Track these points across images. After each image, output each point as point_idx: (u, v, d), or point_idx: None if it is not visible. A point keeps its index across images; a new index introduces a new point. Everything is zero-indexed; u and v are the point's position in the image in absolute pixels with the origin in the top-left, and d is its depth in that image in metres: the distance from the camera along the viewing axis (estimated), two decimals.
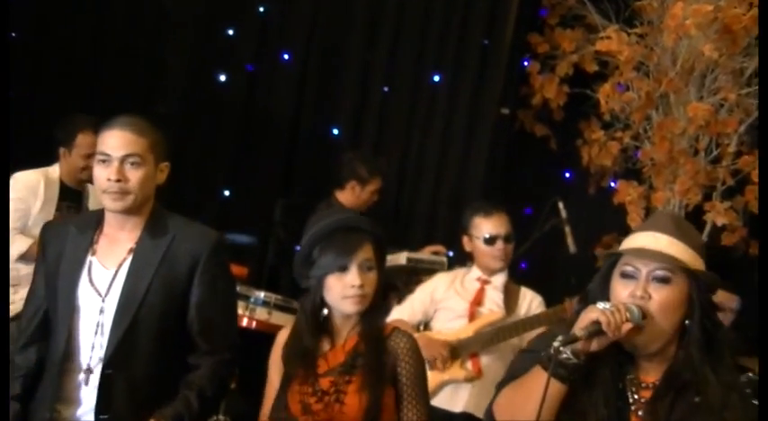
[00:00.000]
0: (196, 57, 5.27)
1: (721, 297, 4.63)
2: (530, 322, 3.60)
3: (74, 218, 3.36)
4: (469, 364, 3.67)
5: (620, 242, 5.14)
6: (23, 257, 3.67)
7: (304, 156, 5.46)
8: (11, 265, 3.48)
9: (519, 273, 4.39)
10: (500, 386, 2.02)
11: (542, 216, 4.52)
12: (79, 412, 2.43)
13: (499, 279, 3.78)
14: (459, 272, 3.89)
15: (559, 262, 5.15)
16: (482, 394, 3.58)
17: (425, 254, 4.67)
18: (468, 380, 3.63)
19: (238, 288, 4.24)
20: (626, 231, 5.04)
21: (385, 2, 5.48)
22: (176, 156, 4.78)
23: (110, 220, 2.49)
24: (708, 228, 4.44)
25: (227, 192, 5.37)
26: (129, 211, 2.45)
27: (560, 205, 4.46)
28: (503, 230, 3.71)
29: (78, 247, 2.47)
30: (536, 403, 1.80)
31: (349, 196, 4.64)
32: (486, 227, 3.72)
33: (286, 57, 5.46)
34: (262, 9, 5.44)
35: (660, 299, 1.88)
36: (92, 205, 3.96)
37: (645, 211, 4.73)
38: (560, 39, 5.12)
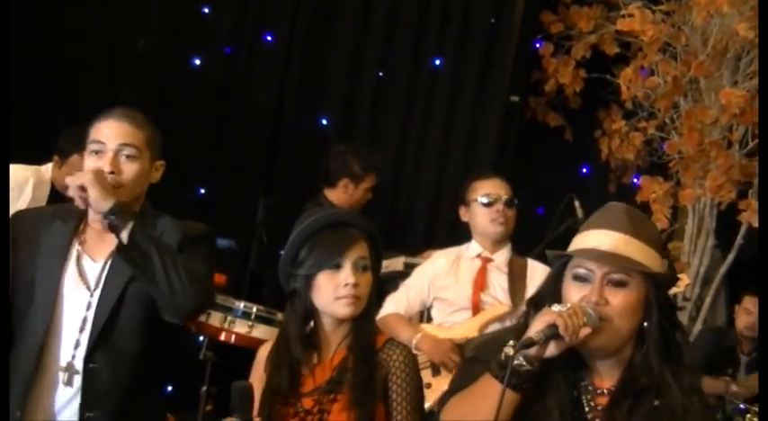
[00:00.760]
0: (166, 37, 5.26)
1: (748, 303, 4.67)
2: None
3: (47, 207, 3.42)
4: None
5: None
6: None
7: (289, 150, 5.45)
8: None
9: None
10: (445, 397, 2.07)
11: (556, 216, 4.52)
12: (55, 409, 2.48)
13: (501, 256, 3.79)
14: (458, 251, 3.89)
15: None
16: None
17: (425, 258, 4.65)
18: None
19: (216, 298, 4.25)
20: None
21: None
22: None
23: (96, 217, 2.52)
24: (743, 229, 4.45)
25: (202, 190, 5.35)
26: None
27: (576, 204, 4.46)
28: (502, 192, 3.77)
29: (61, 237, 2.53)
30: (487, 414, 1.85)
31: (340, 195, 4.63)
32: (483, 188, 3.77)
33: (269, 38, 5.44)
34: None
35: (617, 303, 1.95)
36: None
37: (672, 211, 4.74)
38: (576, 17, 5.13)
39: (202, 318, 4.08)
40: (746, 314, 4.68)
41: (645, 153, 5.01)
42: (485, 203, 3.76)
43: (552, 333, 1.87)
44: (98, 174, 2.42)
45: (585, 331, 1.90)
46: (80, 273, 2.50)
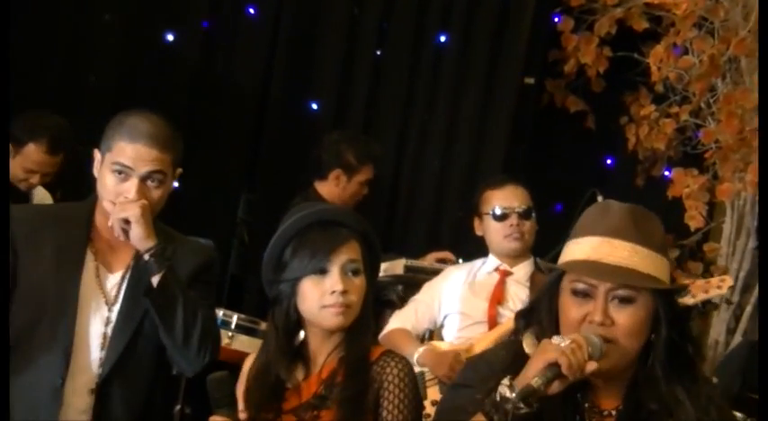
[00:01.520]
0: (136, 10, 5.23)
1: None
2: None
3: (41, 207, 3.59)
4: None
5: (676, 245, 5.15)
6: None
7: (274, 139, 5.44)
8: None
9: None
10: None
11: (577, 213, 4.47)
12: None
13: (523, 269, 3.83)
14: (473, 265, 3.94)
15: None
16: None
17: (428, 261, 4.66)
18: None
19: None
20: (683, 233, 5.13)
21: None
22: None
23: (106, 223, 2.66)
24: None
25: (175, 184, 5.32)
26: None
27: (600, 199, 4.43)
28: (516, 203, 3.79)
29: (72, 245, 2.65)
30: None
31: (332, 188, 4.64)
32: (495, 199, 3.80)
33: (251, 11, 5.43)
34: None
35: (624, 323, 1.94)
36: None
37: (708, 207, 4.72)
38: None
39: None
40: None
41: (677, 142, 4.98)
42: (497, 217, 3.79)
43: (554, 374, 1.85)
44: (145, 209, 2.56)
45: (591, 367, 1.89)
46: (101, 286, 2.65)
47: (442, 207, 5.52)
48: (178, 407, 3.11)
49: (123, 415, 2.61)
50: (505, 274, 3.82)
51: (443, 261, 4.71)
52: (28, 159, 4.16)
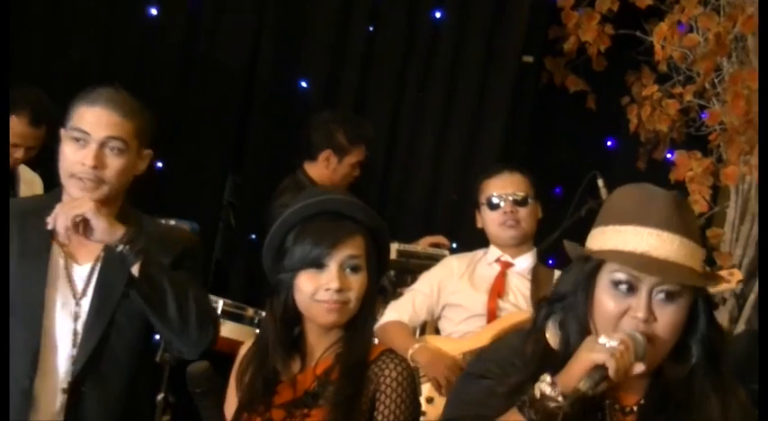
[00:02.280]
0: None
1: None
2: None
3: (16, 200, 3.52)
4: None
5: None
6: None
7: (262, 118, 5.44)
8: None
9: None
10: None
11: (576, 197, 4.51)
12: None
13: (524, 261, 3.83)
14: (474, 255, 3.93)
15: None
16: None
17: (422, 246, 4.67)
18: None
19: None
20: None
21: None
22: None
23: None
24: None
25: (159, 164, 5.33)
26: (100, 203, 2.56)
27: (600, 183, 4.45)
28: (511, 189, 3.79)
29: (38, 236, 2.59)
30: None
31: (322, 170, 4.64)
32: (490, 188, 3.81)
33: None
34: None
35: (668, 320, 1.91)
36: (23, 192, 4.05)
37: (712, 191, 4.72)
38: None
39: None
40: None
41: (681, 124, 4.97)
42: (491, 206, 3.81)
43: (601, 376, 1.82)
44: (97, 202, 2.51)
45: (639, 369, 1.86)
46: (69, 278, 2.61)
47: (436, 190, 5.53)
48: (161, 395, 3.07)
49: (99, 414, 2.58)
50: (506, 266, 3.83)
51: (437, 245, 4.72)
52: (11, 133, 4.12)
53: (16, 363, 2.51)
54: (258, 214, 4.85)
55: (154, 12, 5.29)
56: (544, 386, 1.84)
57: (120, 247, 2.50)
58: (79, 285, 2.62)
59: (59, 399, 2.55)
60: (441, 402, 3.57)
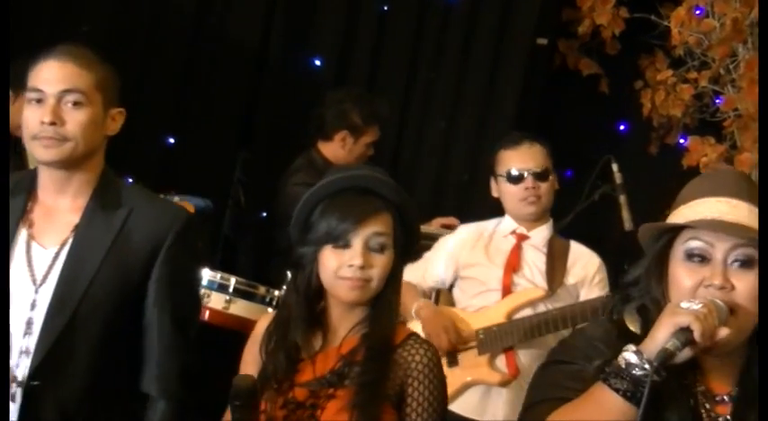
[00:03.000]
0: None
1: None
2: (590, 308, 3.55)
3: None
4: (502, 362, 3.67)
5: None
6: None
7: (274, 96, 5.42)
8: None
9: None
10: (531, 408, 2.01)
11: (589, 181, 4.49)
12: None
13: (540, 234, 3.79)
14: (487, 225, 3.89)
15: (610, 241, 5.11)
16: (520, 399, 3.59)
17: (434, 227, 4.66)
18: (503, 384, 3.64)
19: None
20: None
21: None
22: None
23: (45, 182, 2.46)
24: None
25: (171, 140, 5.33)
26: (67, 166, 2.42)
27: (614, 167, 4.43)
28: (532, 163, 3.73)
29: (10, 214, 2.43)
30: None
31: (337, 150, 4.62)
32: (510, 160, 3.75)
33: None
34: None
35: (745, 288, 1.87)
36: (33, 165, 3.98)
37: None
38: None
39: None
40: None
41: (694, 109, 4.97)
42: (512, 179, 3.74)
43: (686, 339, 1.78)
44: None
45: (724, 332, 1.81)
46: (29, 262, 2.42)
47: (447, 171, 5.51)
48: None
49: (54, 417, 2.37)
50: (522, 239, 3.78)
51: (449, 227, 4.71)
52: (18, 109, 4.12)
53: None
54: (268, 192, 4.85)
55: None
56: (629, 355, 1.80)
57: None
58: (39, 271, 2.41)
59: (12, 389, 2.35)
60: (452, 379, 3.54)
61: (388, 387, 2.23)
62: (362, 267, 2.23)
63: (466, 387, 3.67)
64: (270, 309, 4.15)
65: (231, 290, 4.19)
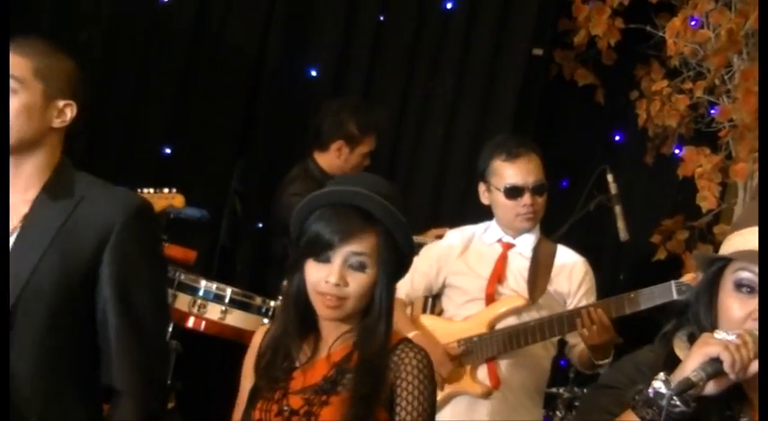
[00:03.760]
0: None
1: None
2: (573, 318, 3.49)
3: None
4: (484, 373, 3.64)
5: (686, 227, 5.13)
6: None
7: (270, 105, 5.41)
8: None
9: None
10: None
11: (584, 191, 4.50)
12: None
13: (526, 240, 3.70)
14: (474, 230, 3.81)
15: (606, 252, 5.12)
16: (504, 408, 3.60)
17: (429, 237, 4.64)
18: (485, 395, 3.61)
19: (183, 277, 4.23)
20: (694, 213, 5.13)
21: None
22: (101, 100, 4.81)
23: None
24: None
25: (167, 150, 5.32)
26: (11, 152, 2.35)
27: (609, 177, 4.44)
28: (531, 178, 3.61)
29: None
30: None
31: (333, 160, 4.60)
32: (508, 173, 3.61)
33: None
34: None
35: None
36: None
37: (720, 188, 4.71)
38: None
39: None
40: None
41: (690, 119, 4.98)
42: (509, 194, 3.62)
43: (715, 370, 1.76)
44: None
45: (756, 367, 1.78)
46: None
47: (443, 182, 5.49)
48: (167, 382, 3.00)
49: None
50: (508, 247, 3.70)
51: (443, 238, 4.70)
52: None
53: None
54: (265, 202, 4.84)
55: None
56: (658, 383, 1.79)
57: None
58: None
59: None
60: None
61: (381, 392, 2.24)
62: (338, 284, 2.23)
63: (448, 397, 3.63)
64: (266, 320, 4.15)
65: (227, 300, 4.20)
